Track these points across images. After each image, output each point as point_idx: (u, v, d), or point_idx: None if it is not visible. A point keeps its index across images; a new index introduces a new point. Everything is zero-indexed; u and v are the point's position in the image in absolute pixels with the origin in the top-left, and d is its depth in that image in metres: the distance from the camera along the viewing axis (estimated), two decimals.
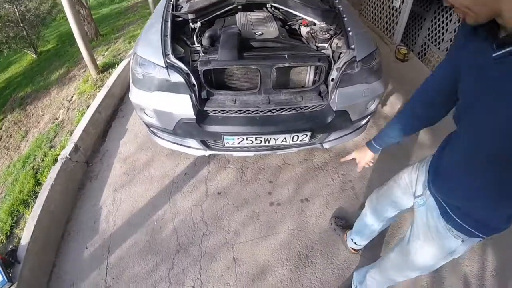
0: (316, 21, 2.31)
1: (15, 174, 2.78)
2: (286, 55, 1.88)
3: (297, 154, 2.60)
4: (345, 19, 2.14)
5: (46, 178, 2.34)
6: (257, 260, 1.95)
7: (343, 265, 1.91)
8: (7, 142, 3.60)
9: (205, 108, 1.92)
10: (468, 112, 0.83)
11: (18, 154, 3.27)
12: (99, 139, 2.93)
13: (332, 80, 1.91)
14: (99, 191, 2.43)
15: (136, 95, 1.96)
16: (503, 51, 0.66)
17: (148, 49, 1.94)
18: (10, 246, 1.99)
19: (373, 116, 2.47)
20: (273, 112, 1.94)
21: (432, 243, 1.07)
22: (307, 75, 2.04)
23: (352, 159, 1.43)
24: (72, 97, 3.70)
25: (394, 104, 3.21)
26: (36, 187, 2.35)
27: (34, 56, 5.98)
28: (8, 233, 2.09)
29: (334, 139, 2.17)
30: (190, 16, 2.20)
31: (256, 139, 1.95)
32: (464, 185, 0.92)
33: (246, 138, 1.94)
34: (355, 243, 1.83)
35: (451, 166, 0.97)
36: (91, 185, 2.49)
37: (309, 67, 1.99)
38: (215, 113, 1.93)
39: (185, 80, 1.83)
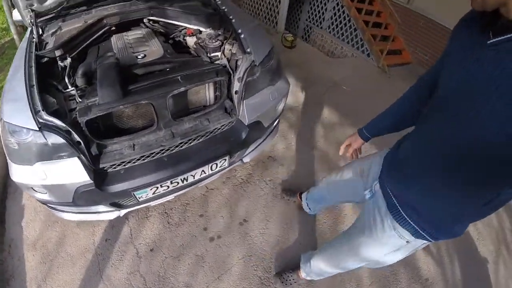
0: (201, 28, 2.13)
1: None
2: (179, 77, 1.64)
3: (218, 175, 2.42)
4: (233, 20, 1.99)
5: None
6: None
7: None
8: None
9: (102, 166, 1.56)
10: (448, 103, 0.79)
11: None
12: None
13: (236, 92, 1.76)
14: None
15: (16, 173, 1.50)
16: (499, 38, 0.66)
17: (14, 110, 1.47)
18: None
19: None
20: (182, 147, 1.70)
21: (375, 240, 1.06)
22: (207, 92, 1.85)
23: (346, 145, 1.39)
24: None
25: (294, 92, 3.27)
26: None
27: None
28: None
29: (252, 151, 2.06)
30: (57, 53, 1.78)
31: (172, 183, 1.68)
32: (425, 179, 0.88)
33: (161, 186, 1.66)
34: (309, 208, 1.90)
35: (413, 159, 0.93)
36: None
37: (220, 82, 1.80)
38: (115, 169, 1.60)
39: (66, 140, 1.43)
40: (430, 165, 0.86)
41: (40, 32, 2.10)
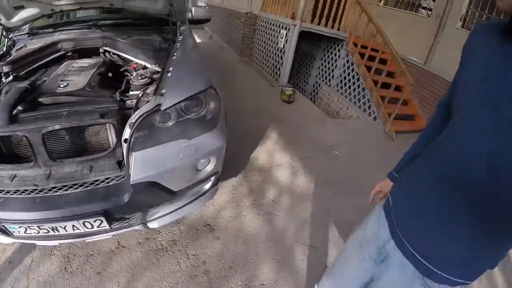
0: (147, 64, 2.00)
1: None
2: (65, 113, 1.49)
3: (136, 232, 2.09)
4: (173, 57, 1.82)
5: None
6: None
7: None
8: None
9: None
10: (462, 121, 0.73)
11: None
12: None
13: (126, 141, 1.46)
14: None
15: None
16: None
17: None
18: None
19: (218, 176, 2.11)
20: (56, 192, 1.47)
21: None
22: (109, 135, 1.59)
23: (376, 192, 1.25)
24: None
25: (269, 151, 2.93)
26: None
27: None
28: None
29: (163, 216, 1.71)
30: (5, 69, 1.79)
31: (40, 228, 1.45)
32: (446, 223, 0.77)
33: (29, 227, 1.45)
34: None
35: (425, 203, 0.82)
36: None
37: (108, 126, 1.54)
38: None
39: None
40: (457, 201, 0.75)
41: (10, 45, 2.22)
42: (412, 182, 0.89)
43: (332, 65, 4.34)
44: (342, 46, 4.29)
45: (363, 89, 3.99)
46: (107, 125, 1.53)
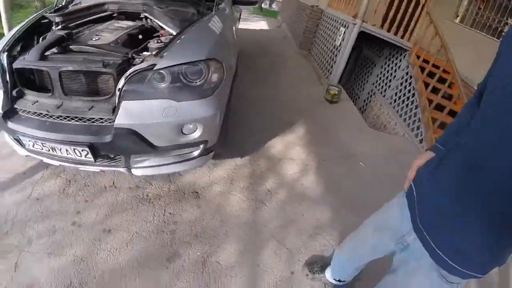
0: (174, 32, 2.14)
1: None
2: (81, 59, 1.74)
3: (131, 179, 2.32)
4: (191, 28, 1.96)
5: None
6: (32, 274, 1.76)
7: None
8: None
9: (15, 106, 1.84)
10: (493, 119, 0.73)
11: None
12: None
13: (119, 90, 1.66)
14: None
15: None
16: None
17: None
18: None
19: (220, 148, 2.19)
20: (61, 119, 1.76)
21: None
22: (112, 84, 1.80)
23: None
24: None
25: (289, 143, 2.86)
26: None
27: None
28: None
29: (147, 167, 1.87)
30: (57, 19, 2.15)
31: (43, 146, 1.77)
32: (467, 220, 0.81)
33: (35, 142, 1.79)
34: (339, 280, 1.65)
35: (452, 194, 0.83)
36: None
37: (111, 76, 1.76)
38: (20, 112, 1.85)
39: (1, 76, 1.81)
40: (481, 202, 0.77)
41: (69, 1, 2.58)
42: (436, 177, 0.90)
43: (391, 74, 4.04)
44: (404, 56, 3.97)
45: (416, 107, 3.64)
46: (110, 75, 1.75)
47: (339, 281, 1.65)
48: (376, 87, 4.20)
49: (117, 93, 1.65)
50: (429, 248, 0.89)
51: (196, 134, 1.80)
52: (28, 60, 1.79)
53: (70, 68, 1.69)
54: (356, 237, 1.38)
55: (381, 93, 4.08)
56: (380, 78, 4.15)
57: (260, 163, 2.61)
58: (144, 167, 1.87)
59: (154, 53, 1.80)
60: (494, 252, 0.81)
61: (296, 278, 1.82)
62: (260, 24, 8.04)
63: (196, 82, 1.73)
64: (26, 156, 2.04)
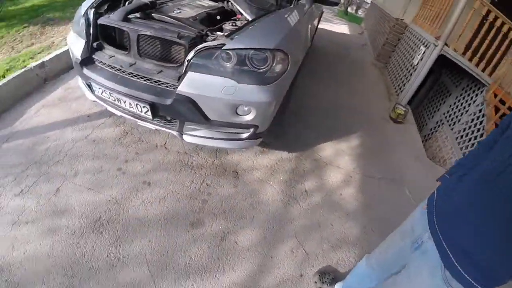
0: (250, 18, 2.22)
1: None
2: (159, 27, 1.92)
3: (181, 144, 2.48)
4: (267, 17, 2.04)
5: (10, 75, 2.94)
6: (68, 202, 2.01)
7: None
8: (16, 44, 4.29)
9: (93, 56, 2.09)
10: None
11: (15, 54, 3.88)
12: (66, 69, 3.43)
13: (188, 61, 1.77)
14: (35, 102, 2.89)
15: (68, 36, 2.31)
16: None
17: (88, 1, 2.22)
18: None
19: (268, 136, 2.21)
20: (131, 76, 1.94)
21: None
22: (183, 54, 1.93)
23: None
24: None
25: (340, 152, 2.79)
26: (1, 78, 2.96)
27: None
28: None
29: (197, 136, 1.99)
30: None
31: (110, 95, 1.98)
32: (486, 229, 0.83)
33: (104, 91, 1.99)
34: None
35: (471, 206, 0.88)
36: (34, 96, 2.96)
37: (183, 47, 1.88)
38: (96, 62, 2.09)
39: (86, 28, 2.07)
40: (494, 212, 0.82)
41: None
42: (456, 187, 0.95)
43: (464, 108, 3.70)
44: (481, 91, 3.62)
45: None
46: (182, 45, 1.88)
47: None
48: (446, 117, 3.90)
49: (186, 63, 1.78)
50: (441, 249, 0.92)
51: (249, 117, 1.86)
52: (112, 19, 2.01)
53: (148, 33, 1.87)
54: (384, 244, 1.40)
55: (449, 125, 3.78)
56: (452, 109, 3.84)
57: (306, 162, 2.59)
58: (194, 135, 1.99)
59: (226, 34, 1.88)
60: (504, 262, 0.81)
61: (303, 281, 1.81)
62: (342, 28, 7.84)
63: (260, 69, 1.78)
64: (93, 101, 2.29)
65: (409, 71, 4.08)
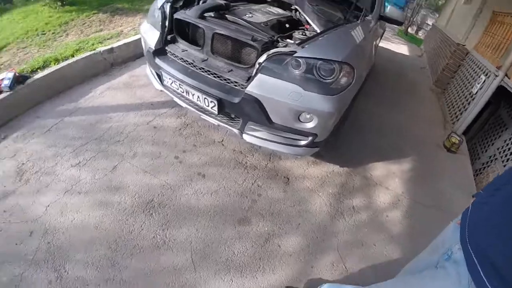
0: (318, 30, 2.24)
1: (69, 46, 3.65)
2: (234, 28, 2.02)
3: (239, 143, 2.56)
4: (336, 30, 2.06)
5: (80, 55, 3.22)
6: (123, 180, 2.13)
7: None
8: (85, 29, 4.59)
9: (166, 48, 2.23)
10: None
11: (84, 37, 4.17)
12: (133, 57, 3.67)
13: (259, 64, 1.84)
14: (100, 84, 3.13)
15: (142, 25, 2.49)
16: None
17: None
18: (28, 75, 2.83)
19: (324, 147, 2.20)
20: (202, 71, 2.03)
21: None
22: (254, 57, 1.99)
23: None
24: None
25: (391, 174, 2.72)
26: (70, 57, 3.21)
27: None
28: (35, 70, 2.93)
29: (256, 137, 2.04)
30: None
31: (180, 86, 2.08)
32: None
33: (174, 82, 2.10)
34: None
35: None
36: (100, 78, 3.21)
37: (256, 50, 1.94)
38: (168, 53, 2.22)
39: (161, 21, 2.21)
40: None
41: None
42: (490, 202, 0.97)
43: None
44: None
45: None
46: (255, 49, 1.94)
47: None
48: (500, 153, 3.69)
49: (257, 65, 1.85)
50: (470, 261, 0.91)
51: (310, 125, 1.87)
52: (189, 15, 2.12)
53: (223, 33, 1.95)
54: (410, 264, 1.42)
55: (502, 161, 3.58)
56: (507, 145, 3.62)
57: (356, 179, 2.55)
58: (254, 136, 2.03)
59: (297, 42, 1.93)
60: None
61: None
62: (401, 48, 7.66)
63: (325, 79, 1.80)
64: (160, 91, 2.39)
65: (467, 100, 3.91)
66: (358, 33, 2.23)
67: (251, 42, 1.88)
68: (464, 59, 4.67)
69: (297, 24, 2.51)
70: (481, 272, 0.86)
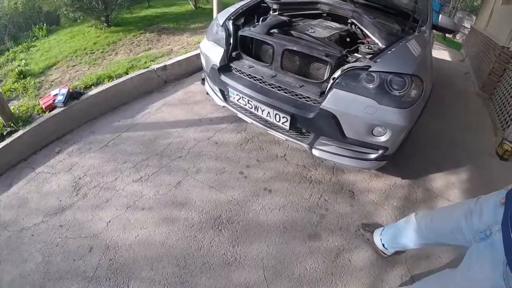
0: (379, 43, 2.26)
1: (120, 63, 3.87)
2: (304, 44, 2.05)
3: (301, 157, 2.58)
4: (400, 43, 2.06)
5: (132, 72, 3.40)
6: (189, 196, 2.17)
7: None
8: (134, 48, 4.80)
9: (230, 64, 2.29)
10: None
11: (133, 56, 4.36)
12: (185, 74, 3.81)
13: (333, 79, 1.87)
14: (155, 100, 3.28)
15: (202, 42, 2.58)
16: None
17: (223, 13, 2.48)
18: (82, 91, 3.00)
19: (391, 160, 2.20)
20: (272, 87, 2.07)
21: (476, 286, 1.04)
22: (326, 71, 2.03)
23: None
24: (191, 42, 4.72)
25: (450, 184, 2.68)
26: (123, 74, 3.37)
27: (193, 7, 7.39)
28: (88, 86, 3.14)
29: (326, 151, 2.06)
30: (274, 6, 2.63)
31: (248, 102, 2.12)
32: None
33: (242, 97, 2.15)
34: (383, 244, 1.80)
35: None
36: (155, 95, 3.38)
37: (328, 65, 1.97)
38: (233, 70, 2.28)
39: (226, 38, 2.27)
40: None
41: None
42: None
43: None
44: None
45: None
46: (327, 63, 1.98)
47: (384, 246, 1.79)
48: None
49: (331, 81, 1.88)
50: (508, 245, 0.92)
51: (383, 139, 1.89)
52: (256, 32, 2.18)
53: (295, 49, 2.00)
54: (443, 213, 1.43)
55: None
56: None
57: (418, 191, 2.52)
58: (324, 150, 2.06)
59: (368, 56, 1.95)
60: None
61: None
62: (442, 54, 7.48)
63: (397, 92, 1.81)
64: (223, 106, 2.45)
65: None
66: (419, 45, 2.24)
67: (325, 58, 1.92)
68: (510, 62, 4.51)
69: (355, 37, 2.54)
70: None
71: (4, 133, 2.45)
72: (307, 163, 2.53)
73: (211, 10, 4.47)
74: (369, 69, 1.81)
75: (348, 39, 2.46)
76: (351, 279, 1.83)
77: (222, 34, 2.30)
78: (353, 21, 2.57)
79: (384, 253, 1.84)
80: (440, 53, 7.48)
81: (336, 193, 2.32)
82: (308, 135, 2.06)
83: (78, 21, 5.78)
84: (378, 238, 1.82)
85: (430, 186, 2.62)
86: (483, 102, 4.67)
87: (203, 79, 2.75)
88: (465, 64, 6.98)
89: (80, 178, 2.25)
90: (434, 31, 2.97)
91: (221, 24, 2.34)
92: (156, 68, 3.46)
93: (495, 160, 3.41)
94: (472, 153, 3.36)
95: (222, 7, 4.06)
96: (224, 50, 2.28)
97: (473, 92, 5.03)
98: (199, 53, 2.70)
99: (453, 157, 3.13)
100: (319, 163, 2.53)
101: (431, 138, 3.37)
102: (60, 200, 2.08)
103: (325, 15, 2.84)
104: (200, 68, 3.55)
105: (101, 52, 4.62)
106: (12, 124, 2.51)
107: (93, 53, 4.64)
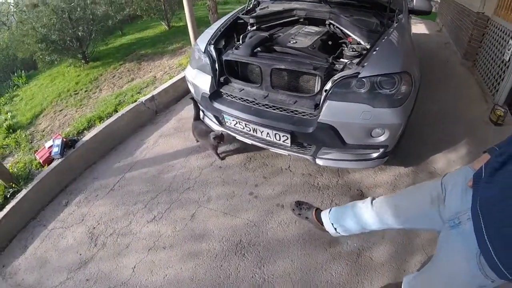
0: (361, 41, 2.28)
1: (107, 101, 3.84)
2: (289, 60, 2.06)
3: (305, 166, 2.61)
4: (383, 40, 2.07)
5: (122, 109, 3.34)
6: (206, 227, 2.18)
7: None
8: (116, 81, 4.76)
9: (220, 90, 2.29)
10: None
11: (118, 90, 4.32)
12: (173, 101, 3.79)
13: (326, 91, 1.89)
14: (150, 133, 3.25)
15: (187, 70, 2.55)
16: None
17: (201, 38, 2.46)
18: (75, 138, 2.96)
19: (392, 154, 2.25)
20: (266, 108, 2.09)
21: (457, 279, 1.01)
22: (316, 84, 2.04)
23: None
24: (173, 66, 4.66)
25: (451, 162, 2.74)
26: (113, 113, 3.34)
27: (166, 28, 7.31)
28: (81, 131, 3.13)
29: (330, 159, 2.10)
30: (251, 21, 2.60)
31: (246, 126, 2.14)
32: None
33: (239, 122, 2.16)
34: (335, 229, 1.71)
35: None
36: (149, 128, 3.33)
37: (318, 77, 2.00)
38: (224, 95, 2.27)
39: (211, 64, 2.26)
40: None
41: (256, 4, 3.03)
42: (505, 170, 0.87)
43: None
44: None
45: None
46: (316, 76, 2.00)
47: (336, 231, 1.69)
48: None
49: (323, 93, 1.91)
50: (479, 235, 0.88)
51: (382, 138, 1.94)
52: (240, 55, 2.17)
53: (283, 67, 2.01)
54: (403, 195, 1.38)
55: None
56: None
57: (422, 176, 2.56)
58: (327, 158, 2.11)
59: (355, 61, 1.99)
60: None
61: None
62: (419, 28, 7.49)
63: (388, 91, 1.85)
64: (220, 133, 2.45)
65: (501, 69, 3.83)
66: (401, 37, 2.27)
67: (313, 71, 1.95)
68: (487, 27, 4.58)
69: (335, 37, 2.57)
70: (490, 248, 0.84)
71: (8, 195, 2.43)
72: (312, 170, 2.56)
73: (185, 27, 4.44)
74: (359, 76, 1.85)
75: (330, 42, 2.49)
76: (375, 275, 1.88)
77: (206, 60, 2.30)
78: (331, 22, 2.60)
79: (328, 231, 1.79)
80: (417, 27, 7.52)
81: (345, 194, 2.36)
82: (310, 147, 2.10)
83: (56, 62, 5.75)
84: (327, 221, 1.75)
85: (433, 168, 2.67)
86: (468, 70, 4.74)
87: (191, 98, 2.74)
88: (442, 34, 7.04)
89: (94, 228, 2.25)
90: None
91: (203, 51, 2.33)
92: (144, 100, 3.45)
93: (490, 126, 3.47)
94: (467, 124, 3.42)
95: (196, 22, 4.07)
96: (212, 77, 2.27)
97: (456, 62, 5.10)
98: (184, 78, 2.69)
99: (450, 134, 3.18)
100: (323, 168, 2.57)
101: (424, 118, 3.41)
102: (80, 254, 2.08)
103: (302, 20, 2.85)
104: (187, 91, 3.56)
105: (85, 91, 4.60)
106: (13, 185, 2.49)
107: (77, 93, 4.62)
